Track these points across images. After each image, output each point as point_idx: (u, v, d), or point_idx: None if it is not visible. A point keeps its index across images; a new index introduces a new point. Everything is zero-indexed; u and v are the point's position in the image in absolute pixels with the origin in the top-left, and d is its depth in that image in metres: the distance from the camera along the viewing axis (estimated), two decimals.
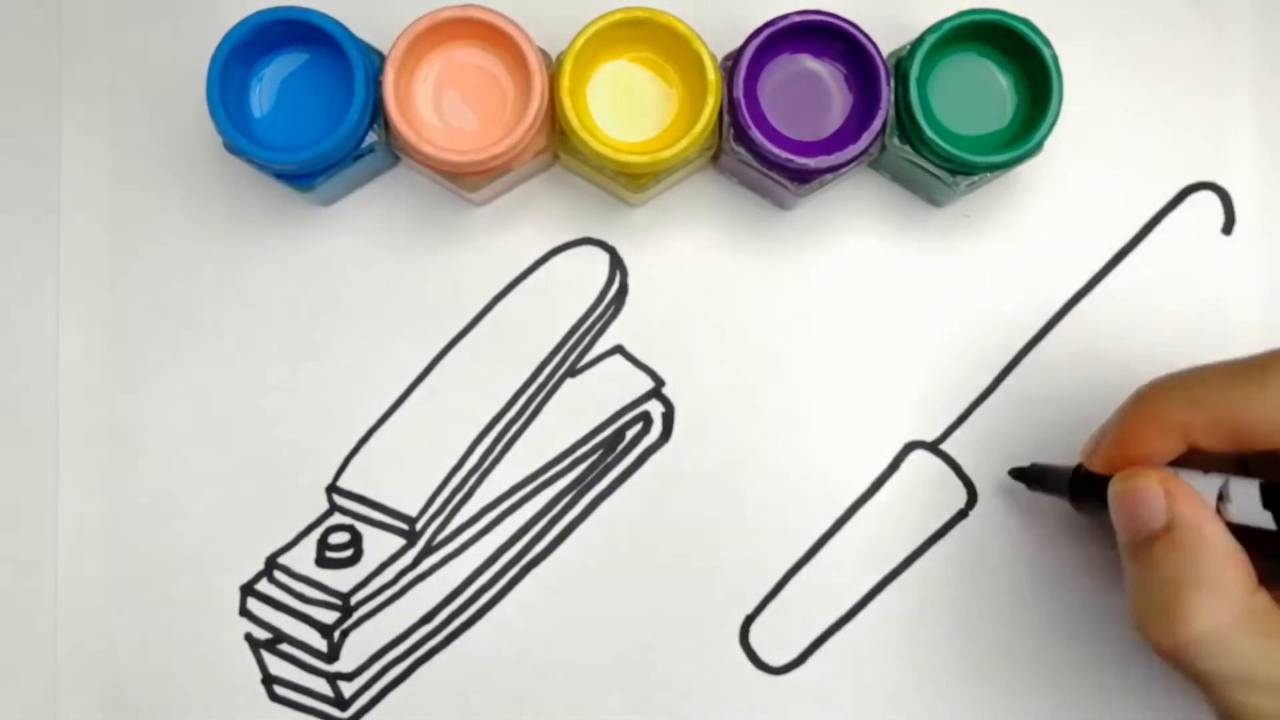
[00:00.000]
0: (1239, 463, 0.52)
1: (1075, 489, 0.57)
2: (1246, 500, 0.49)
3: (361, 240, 0.64)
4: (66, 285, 0.64)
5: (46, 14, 0.65)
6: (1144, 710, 0.63)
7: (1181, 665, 0.48)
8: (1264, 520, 0.48)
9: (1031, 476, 0.61)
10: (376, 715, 0.63)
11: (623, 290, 0.64)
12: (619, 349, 0.64)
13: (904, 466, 0.64)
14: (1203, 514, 0.48)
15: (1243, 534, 0.48)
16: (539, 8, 0.60)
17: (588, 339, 0.64)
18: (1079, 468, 0.56)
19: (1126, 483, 0.50)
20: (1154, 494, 0.49)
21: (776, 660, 0.63)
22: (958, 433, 0.64)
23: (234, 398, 0.64)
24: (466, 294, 0.64)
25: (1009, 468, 0.62)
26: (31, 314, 0.64)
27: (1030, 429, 0.64)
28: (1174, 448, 0.51)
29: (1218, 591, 0.47)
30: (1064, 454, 0.62)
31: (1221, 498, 0.49)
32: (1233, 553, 0.47)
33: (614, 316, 0.64)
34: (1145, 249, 0.64)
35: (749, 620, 0.63)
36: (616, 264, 0.64)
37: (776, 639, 0.63)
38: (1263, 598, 0.47)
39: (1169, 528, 0.48)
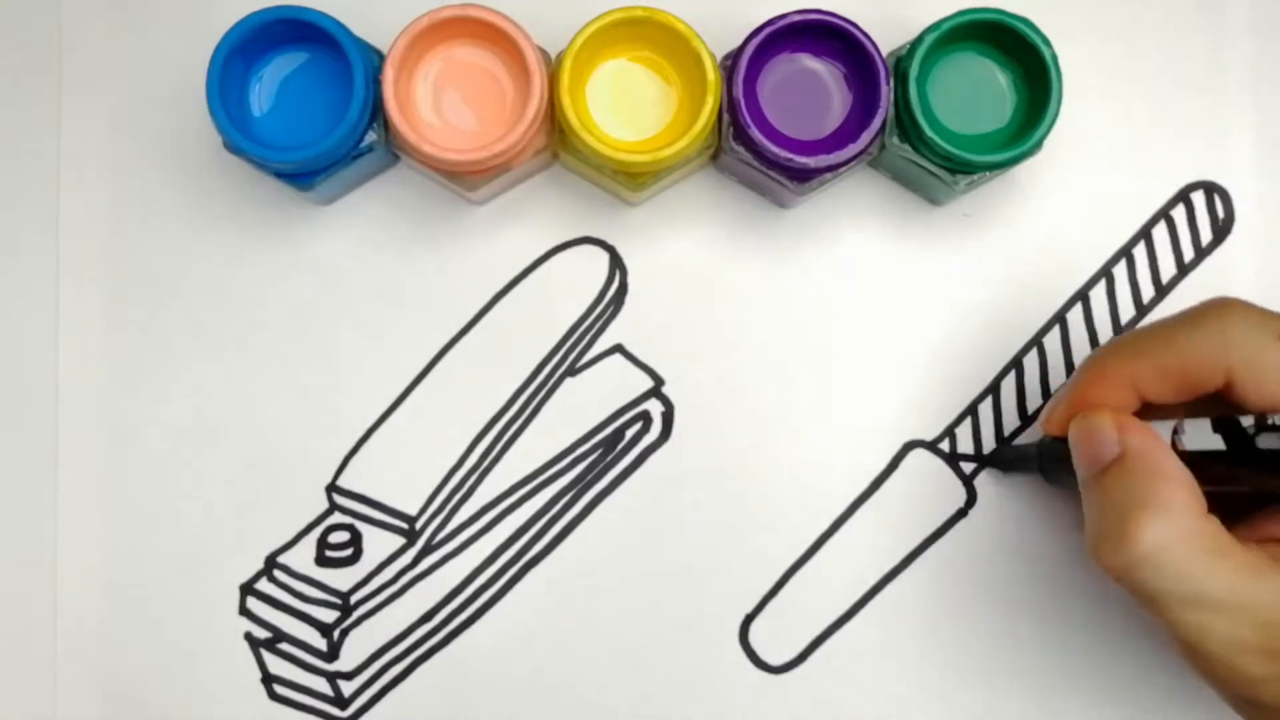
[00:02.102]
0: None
1: (1042, 457, 0.58)
2: (1198, 431, 0.50)
3: (361, 239, 0.64)
4: (66, 285, 0.64)
5: (46, 13, 0.65)
6: (1143, 708, 0.63)
7: (1132, 585, 0.48)
8: (1215, 443, 0.49)
9: (1005, 458, 0.63)
10: (376, 714, 0.63)
11: (622, 289, 0.64)
12: (619, 348, 0.64)
13: (903, 466, 0.64)
14: (1153, 442, 0.50)
15: (1196, 467, 0.49)
16: (539, 7, 0.60)
17: (587, 338, 0.64)
18: (1043, 439, 0.58)
19: (1082, 422, 0.52)
20: (1107, 427, 0.51)
21: (776, 659, 0.63)
22: (957, 432, 0.64)
23: (233, 397, 0.64)
24: (466, 293, 0.64)
25: (985, 461, 0.64)
26: (31, 314, 0.64)
27: (1030, 428, 0.64)
28: (1126, 400, 0.52)
29: (1166, 511, 0.48)
30: None
31: (1176, 433, 0.50)
32: (1182, 478, 0.49)
33: (614, 316, 0.64)
34: (1144, 248, 0.64)
35: (749, 619, 0.63)
36: (616, 263, 0.64)
37: (776, 638, 0.63)
38: (1211, 522, 0.48)
39: (1120, 457, 0.50)
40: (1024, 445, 0.61)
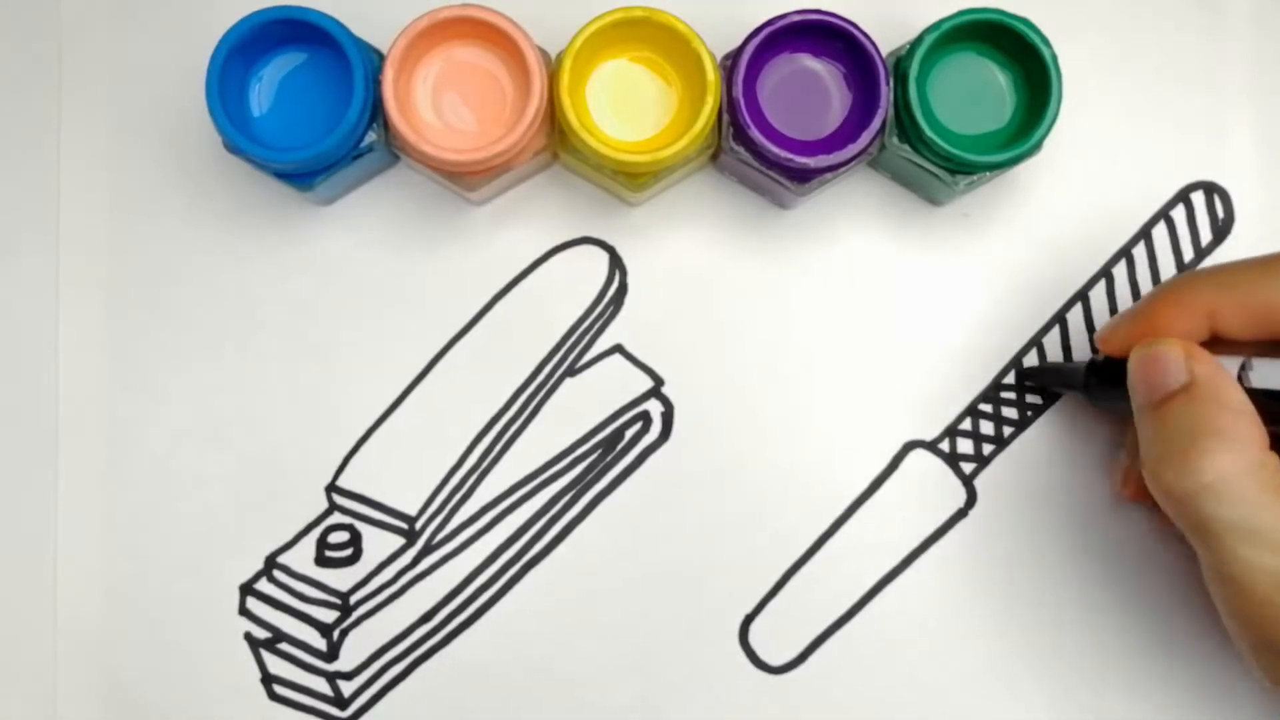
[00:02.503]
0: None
1: (1092, 373, 0.58)
2: (1268, 370, 0.50)
3: (361, 240, 0.64)
4: (66, 284, 0.64)
5: (46, 13, 0.65)
6: (1143, 707, 0.63)
7: (1190, 512, 0.49)
8: None
9: (1046, 373, 0.63)
10: (376, 714, 0.64)
11: (622, 290, 0.64)
12: (618, 348, 0.64)
13: (903, 466, 0.64)
14: (1222, 374, 0.50)
15: (1260, 404, 0.49)
16: (538, 7, 0.60)
17: (587, 338, 0.64)
18: (1095, 356, 0.58)
19: (1147, 348, 0.52)
20: (1175, 356, 0.51)
21: (776, 660, 0.63)
22: (957, 432, 0.64)
23: (233, 397, 0.64)
24: (466, 293, 0.64)
25: (1024, 369, 0.64)
26: (31, 314, 0.64)
27: (1030, 428, 0.64)
28: (1197, 329, 0.53)
29: (1234, 441, 0.48)
30: (1066, 452, 0.63)
31: (1243, 368, 0.51)
32: (1249, 411, 0.49)
33: (613, 316, 0.64)
34: (1144, 248, 0.64)
35: (748, 619, 0.64)
36: (616, 263, 0.64)
37: (776, 638, 0.64)
38: (1274, 458, 0.49)
39: (1187, 386, 0.50)
40: (1069, 364, 0.62)
